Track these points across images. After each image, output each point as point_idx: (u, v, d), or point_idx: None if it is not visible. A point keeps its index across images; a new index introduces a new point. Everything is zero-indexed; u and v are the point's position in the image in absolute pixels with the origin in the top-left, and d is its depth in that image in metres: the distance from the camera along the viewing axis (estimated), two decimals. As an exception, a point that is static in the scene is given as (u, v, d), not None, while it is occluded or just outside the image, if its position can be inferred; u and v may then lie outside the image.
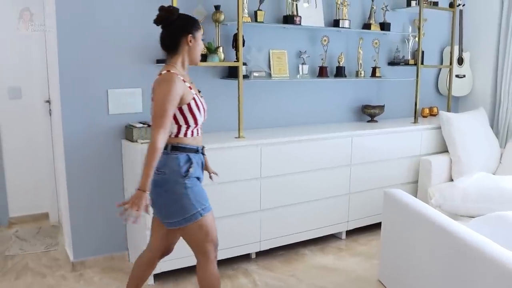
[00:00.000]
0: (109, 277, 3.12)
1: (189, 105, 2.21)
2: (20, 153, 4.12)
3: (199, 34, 2.28)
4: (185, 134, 2.25)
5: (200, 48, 2.31)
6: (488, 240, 2.14)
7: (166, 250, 2.47)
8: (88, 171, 3.17)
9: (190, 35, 2.24)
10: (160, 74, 2.21)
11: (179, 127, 2.23)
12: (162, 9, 2.24)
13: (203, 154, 2.34)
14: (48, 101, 4.03)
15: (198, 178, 2.29)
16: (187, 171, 2.22)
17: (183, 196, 2.21)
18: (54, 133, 3.89)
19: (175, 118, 2.20)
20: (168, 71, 2.19)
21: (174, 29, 2.24)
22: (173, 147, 2.22)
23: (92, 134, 3.14)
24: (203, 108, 2.29)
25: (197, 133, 2.29)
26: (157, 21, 2.24)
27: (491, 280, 2.00)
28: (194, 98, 2.22)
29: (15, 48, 3.99)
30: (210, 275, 2.32)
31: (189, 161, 2.24)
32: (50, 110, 4.02)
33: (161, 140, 2.11)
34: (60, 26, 2.96)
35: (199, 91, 2.37)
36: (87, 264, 3.23)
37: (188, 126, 2.24)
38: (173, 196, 2.21)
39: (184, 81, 2.20)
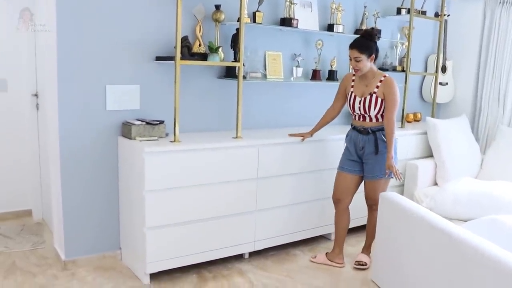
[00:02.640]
0: (102, 276, 3.07)
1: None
2: (3, 148, 3.99)
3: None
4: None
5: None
6: (485, 241, 2.23)
7: None
8: (83, 168, 3.10)
9: None
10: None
11: None
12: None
13: (359, 132, 3.28)
14: (36, 95, 3.92)
15: (347, 148, 3.37)
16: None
17: None
18: (42, 127, 3.79)
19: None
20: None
21: None
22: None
23: (88, 129, 3.07)
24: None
25: (354, 118, 3.34)
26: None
27: (487, 279, 2.08)
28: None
29: (1, 39, 3.86)
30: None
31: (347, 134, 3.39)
32: (37, 104, 3.91)
33: None
34: (60, 20, 2.89)
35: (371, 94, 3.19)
36: (79, 263, 3.16)
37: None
38: None
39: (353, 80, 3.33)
